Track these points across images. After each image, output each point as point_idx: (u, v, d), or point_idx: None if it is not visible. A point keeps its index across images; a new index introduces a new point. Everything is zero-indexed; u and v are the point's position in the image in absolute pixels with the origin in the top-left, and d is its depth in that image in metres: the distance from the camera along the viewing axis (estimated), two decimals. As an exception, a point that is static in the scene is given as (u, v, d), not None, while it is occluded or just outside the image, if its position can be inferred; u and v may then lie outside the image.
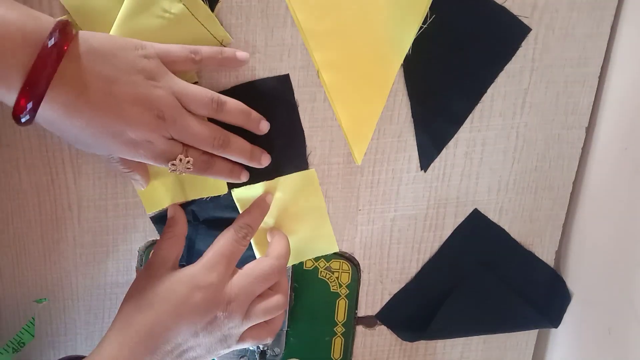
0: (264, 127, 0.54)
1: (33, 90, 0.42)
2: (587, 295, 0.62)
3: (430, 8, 0.54)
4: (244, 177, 0.56)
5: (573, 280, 0.64)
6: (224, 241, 0.54)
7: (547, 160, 0.61)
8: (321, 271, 0.63)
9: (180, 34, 0.53)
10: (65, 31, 0.44)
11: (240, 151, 0.53)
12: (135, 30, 0.51)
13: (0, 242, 0.58)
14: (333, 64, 0.56)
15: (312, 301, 0.64)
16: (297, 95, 0.56)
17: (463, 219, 0.63)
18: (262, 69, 0.55)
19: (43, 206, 0.57)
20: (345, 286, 0.63)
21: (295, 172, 0.58)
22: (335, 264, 0.63)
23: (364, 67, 0.56)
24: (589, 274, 0.62)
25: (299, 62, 0.55)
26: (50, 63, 0.43)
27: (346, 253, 0.63)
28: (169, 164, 0.50)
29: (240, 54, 0.52)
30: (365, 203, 0.61)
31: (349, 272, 0.63)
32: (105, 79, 0.45)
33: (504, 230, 0.64)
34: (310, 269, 0.63)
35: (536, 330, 0.68)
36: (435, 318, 0.64)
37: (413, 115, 0.58)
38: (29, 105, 0.43)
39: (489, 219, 0.63)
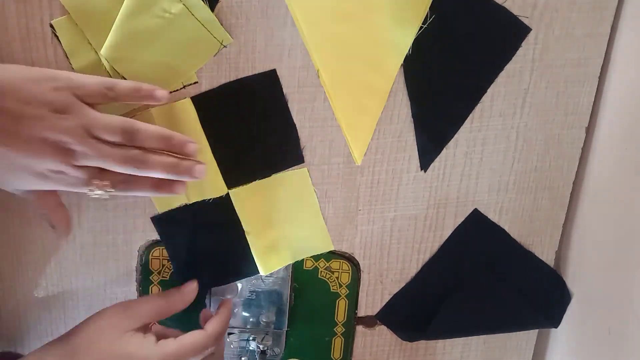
0: (190, 149, 0.50)
1: None
2: (587, 295, 0.62)
3: (430, 8, 0.54)
4: (179, 189, 0.52)
5: (573, 280, 0.64)
6: (192, 343, 0.53)
7: (547, 160, 0.61)
8: (321, 271, 0.63)
9: (180, 34, 0.53)
10: None
11: (163, 166, 0.50)
12: (135, 30, 0.51)
13: (0, 242, 0.58)
14: (333, 64, 0.56)
15: (312, 301, 0.64)
16: (297, 95, 0.56)
17: (463, 219, 0.63)
18: (262, 69, 0.55)
19: (43, 206, 0.57)
20: (345, 286, 0.63)
21: (291, 167, 0.58)
22: (335, 264, 0.63)
23: (364, 67, 0.56)
24: (589, 274, 0.61)
25: (299, 62, 0.55)
26: None
27: (346, 253, 0.63)
28: (87, 190, 0.49)
29: (159, 93, 0.50)
30: (365, 203, 0.61)
31: (349, 272, 0.63)
32: (11, 114, 0.45)
33: (504, 230, 0.63)
34: (310, 269, 0.63)
35: (536, 330, 0.68)
36: (435, 318, 0.64)
37: (413, 115, 0.58)
38: None
39: (489, 219, 0.63)
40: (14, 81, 0.46)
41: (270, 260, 0.60)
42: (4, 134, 0.45)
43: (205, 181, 0.56)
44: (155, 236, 0.60)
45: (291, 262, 0.61)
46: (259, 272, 0.60)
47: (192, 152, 0.50)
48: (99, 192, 0.49)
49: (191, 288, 0.58)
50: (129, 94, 0.49)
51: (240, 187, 0.58)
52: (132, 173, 0.50)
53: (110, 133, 0.48)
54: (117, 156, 0.48)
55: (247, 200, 0.58)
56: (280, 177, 0.58)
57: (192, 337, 0.54)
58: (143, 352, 0.51)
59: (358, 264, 0.63)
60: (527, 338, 0.68)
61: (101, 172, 0.49)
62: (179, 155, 0.51)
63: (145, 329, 0.53)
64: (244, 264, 0.60)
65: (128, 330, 0.52)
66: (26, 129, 0.45)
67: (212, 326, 0.56)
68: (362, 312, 0.65)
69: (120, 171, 0.49)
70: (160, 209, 0.58)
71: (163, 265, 0.61)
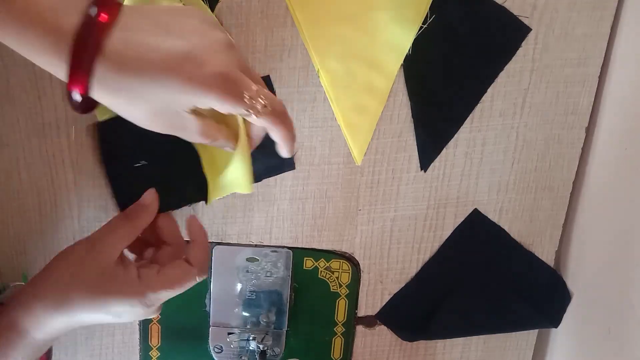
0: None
1: (81, 61, 0.39)
2: (587, 295, 0.62)
3: (430, 8, 0.54)
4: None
5: (573, 280, 0.64)
6: (174, 274, 0.51)
7: (547, 160, 0.61)
8: (321, 271, 0.63)
9: (181, 34, 0.52)
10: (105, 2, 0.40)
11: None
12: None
13: (0, 242, 0.58)
14: (333, 65, 0.56)
15: (312, 301, 0.64)
16: (297, 95, 0.57)
17: (463, 219, 0.63)
18: (262, 69, 0.55)
19: (43, 206, 0.57)
20: (345, 286, 0.63)
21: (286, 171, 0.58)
22: (335, 264, 0.63)
23: (364, 67, 0.56)
24: (589, 274, 0.61)
25: (299, 62, 0.55)
26: (95, 31, 0.39)
27: (346, 253, 0.63)
28: (246, 98, 0.43)
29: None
30: (365, 203, 0.61)
31: (349, 272, 0.63)
32: (162, 25, 0.41)
33: (504, 230, 0.63)
34: (310, 269, 0.63)
35: (536, 330, 0.68)
36: (435, 318, 0.64)
37: (413, 115, 0.58)
38: (85, 65, 0.39)
39: (489, 219, 0.63)
40: (149, 8, 0.43)
41: (217, 187, 0.56)
42: (159, 40, 0.41)
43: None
44: (155, 236, 0.60)
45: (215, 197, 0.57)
46: (205, 199, 0.57)
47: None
48: (258, 106, 0.44)
49: (151, 197, 0.53)
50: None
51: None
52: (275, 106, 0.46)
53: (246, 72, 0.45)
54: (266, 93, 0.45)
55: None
56: None
57: (175, 269, 0.51)
58: (125, 285, 0.49)
59: (358, 264, 0.63)
60: (527, 338, 0.68)
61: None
62: None
63: (123, 260, 0.50)
64: (193, 188, 0.57)
65: (105, 269, 0.49)
66: (183, 31, 0.42)
67: (192, 254, 0.52)
68: (362, 312, 0.65)
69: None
70: (101, 116, 0.53)
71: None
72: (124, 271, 0.49)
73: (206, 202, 0.58)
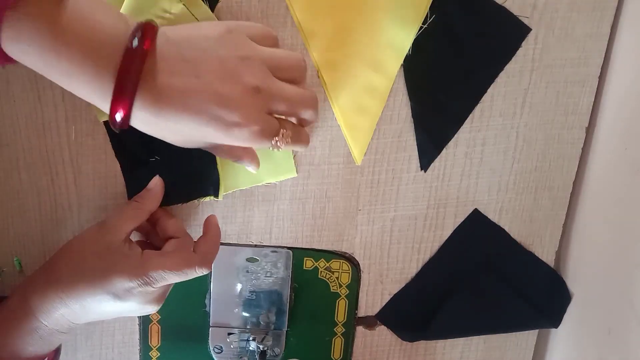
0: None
1: (124, 89, 0.42)
2: (587, 296, 0.62)
3: (430, 8, 0.54)
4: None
5: (573, 280, 0.64)
6: (177, 258, 0.52)
7: (547, 160, 0.61)
8: (321, 271, 0.63)
9: (181, 34, 0.53)
10: (145, 30, 0.43)
11: (315, 102, 0.51)
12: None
13: (0, 242, 0.58)
14: (333, 64, 0.56)
15: (312, 301, 0.64)
16: (297, 95, 0.56)
17: (463, 219, 0.63)
18: (262, 69, 0.55)
19: (43, 206, 0.57)
20: (345, 286, 0.63)
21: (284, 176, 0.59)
22: (335, 264, 0.63)
23: (364, 67, 0.56)
24: (589, 274, 0.61)
25: (299, 62, 0.55)
26: (135, 62, 0.42)
27: (346, 253, 0.63)
28: (272, 141, 0.47)
29: None
30: (365, 203, 0.61)
31: (349, 272, 0.63)
32: (190, 62, 0.44)
33: (504, 230, 0.63)
34: (310, 269, 0.63)
35: (536, 331, 0.68)
36: (435, 318, 0.64)
37: (413, 115, 0.58)
38: (122, 110, 0.43)
39: (488, 219, 0.63)
40: (183, 34, 0.45)
41: (230, 180, 0.57)
42: (190, 82, 0.44)
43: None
44: (155, 236, 0.60)
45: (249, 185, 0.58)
46: (217, 194, 0.58)
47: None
48: (281, 143, 0.48)
49: (156, 183, 0.55)
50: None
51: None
52: (304, 116, 0.50)
53: (290, 65, 0.48)
54: (300, 94, 0.48)
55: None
56: None
57: (177, 253, 0.52)
58: (128, 262, 0.50)
59: (358, 264, 0.63)
60: (527, 338, 0.68)
61: (281, 122, 0.48)
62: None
63: (129, 241, 0.52)
64: (207, 182, 0.58)
65: (111, 245, 0.51)
66: (211, 73, 0.44)
67: (199, 245, 0.54)
68: (362, 312, 0.65)
69: (300, 112, 0.49)
70: (101, 117, 0.55)
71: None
72: (129, 248, 0.51)
73: (217, 195, 0.58)
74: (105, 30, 0.42)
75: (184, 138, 0.46)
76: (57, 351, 0.55)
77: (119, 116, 0.43)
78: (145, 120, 0.44)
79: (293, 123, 0.51)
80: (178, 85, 0.43)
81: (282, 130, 0.48)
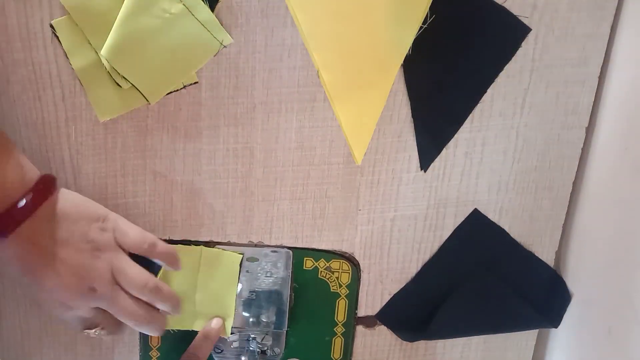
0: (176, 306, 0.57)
1: None
2: (587, 295, 0.62)
3: (430, 8, 0.54)
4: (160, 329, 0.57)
5: (573, 280, 0.64)
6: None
7: (547, 160, 0.61)
8: (321, 271, 0.63)
9: (180, 35, 0.53)
10: (39, 194, 0.49)
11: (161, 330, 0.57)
12: (136, 31, 0.51)
13: (0, 242, 0.58)
14: (333, 64, 0.56)
15: (312, 301, 0.64)
16: (297, 95, 0.57)
17: (463, 219, 0.63)
18: (262, 69, 0.55)
19: (43, 206, 0.57)
20: (345, 286, 0.63)
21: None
22: (335, 264, 0.63)
23: (364, 67, 0.56)
24: (589, 274, 0.61)
25: (299, 62, 0.55)
26: (15, 219, 0.47)
27: (346, 253, 0.63)
28: (84, 331, 0.54)
29: (180, 265, 0.57)
30: (365, 203, 0.61)
31: (349, 272, 0.63)
32: (57, 242, 0.50)
33: (504, 230, 0.63)
34: (311, 269, 0.63)
35: (536, 331, 0.68)
36: (435, 318, 0.64)
37: (413, 115, 0.58)
38: None
39: (488, 219, 0.63)
40: (71, 213, 0.51)
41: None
42: (47, 258, 0.50)
43: None
44: (157, 236, 0.60)
45: (181, 328, 0.61)
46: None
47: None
48: (93, 335, 0.54)
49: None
50: (163, 257, 0.56)
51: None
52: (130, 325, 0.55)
53: (134, 285, 0.53)
54: (128, 312, 0.53)
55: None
56: (211, 251, 0.60)
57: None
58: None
59: (358, 264, 0.63)
60: (527, 338, 0.68)
61: (101, 314, 0.53)
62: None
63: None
64: None
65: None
66: (66, 260, 0.50)
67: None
68: (362, 312, 0.65)
69: (130, 323, 0.54)
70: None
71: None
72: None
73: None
74: None
75: (34, 296, 0.53)
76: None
77: None
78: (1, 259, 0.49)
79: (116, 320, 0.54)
80: (35, 254, 0.49)
81: (97, 329, 0.54)
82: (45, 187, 0.49)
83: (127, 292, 0.53)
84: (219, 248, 0.61)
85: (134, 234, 0.54)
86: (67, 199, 0.51)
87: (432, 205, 0.62)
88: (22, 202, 0.48)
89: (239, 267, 0.60)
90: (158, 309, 0.56)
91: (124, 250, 0.54)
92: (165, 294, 0.55)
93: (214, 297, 0.61)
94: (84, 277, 0.51)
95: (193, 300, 0.60)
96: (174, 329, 0.60)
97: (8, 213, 0.47)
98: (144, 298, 0.54)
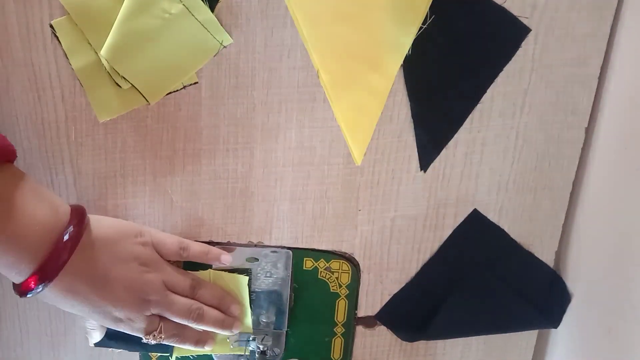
0: (234, 310, 0.60)
1: (44, 276, 0.47)
2: (587, 296, 0.62)
3: (430, 8, 0.54)
4: (209, 346, 0.59)
5: (573, 280, 0.64)
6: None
7: (547, 160, 0.61)
8: (321, 271, 0.63)
9: (180, 35, 0.53)
10: (79, 225, 0.49)
11: (213, 322, 0.58)
12: (136, 31, 0.51)
13: None
14: (333, 64, 0.56)
15: (312, 301, 0.64)
16: (297, 95, 0.57)
17: (463, 219, 0.63)
18: (262, 69, 0.55)
19: (43, 206, 0.57)
20: (345, 286, 0.63)
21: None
22: (335, 264, 0.63)
23: (364, 67, 0.56)
24: (589, 274, 0.61)
25: (299, 62, 0.55)
26: (64, 255, 0.48)
27: (346, 253, 0.63)
28: (144, 337, 0.55)
29: (224, 257, 0.59)
30: (365, 203, 0.61)
31: (349, 273, 0.63)
32: (105, 265, 0.51)
33: (503, 230, 0.63)
34: (310, 269, 0.63)
35: (536, 331, 0.68)
36: (435, 318, 0.64)
37: (413, 116, 0.58)
38: (38, 289, 0.48)
39: (488, 219, 0.63)
40: (110, 235, 0.52)
41: None
42: (99, 283, 0.51)
43: None
44: (155, 236, 0.60)
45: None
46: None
47: (235, 312, 0.60)
48: (153, 340, 0.55)
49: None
50: (199, 256, 0.58)
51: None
52: (192, 325, 0.57)
53: (182, 287, 0.56)
54: (183, 310, 0.56)
55: None
56: (219, 273, 0.61)
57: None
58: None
59: (358, 264, 0.63)
60: (527, 338, 0.68)
61: (160, 321, 0.55)
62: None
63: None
64: None
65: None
66: (118, 280, 0.52)
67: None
68: (362, 312, 0.65)
69: (179, 322, 0.56)
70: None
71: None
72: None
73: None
74: (33, 222, 0.47)
75: (79, 312, 0.52)
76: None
77: (31, 293, 0.48)
78: (51, 298, 0.50)
79: (176, 324, 0.57)
80: (87, 282, 0.50)
81: (154, 333, 0.55)
82: (80, 217, 0.50)
83: (179, 295, 0.56)
84: (221, 243, 0.61)
85: (170, 243, 0.57)
86: (100, 223, 0.52)
87: (432, 206, 0.62)
88: (66, 237, 0.48)
89: (247, 288, 0.61)
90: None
91: (165, 259, 0.56)
92: (211, 292, 0.59)
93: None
94: (138, 291, 0.53)
95: None
96: (191, 355, 0.61)
97: (55, 250, 0.48)
98: (192, 295, 0.57)
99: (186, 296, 0.57)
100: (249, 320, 0.61)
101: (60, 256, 0.48)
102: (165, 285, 0.55)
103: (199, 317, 0.57)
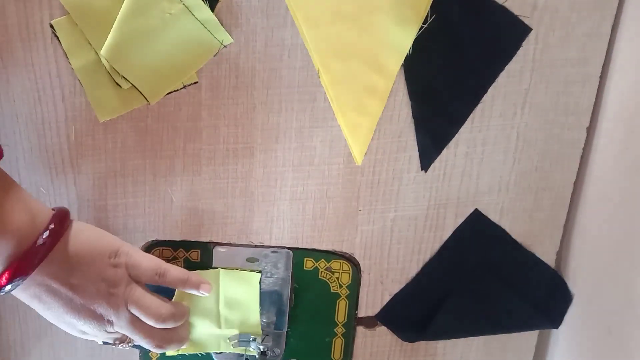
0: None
1: (12, 277, 0.48)
2: (588, 296, 0.62)
3: (430, 8, 0.54)
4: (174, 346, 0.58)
5: (574, 280, 0.64)
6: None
7: (548, 160, 0.61)
8: (321, 272, 0.63)
9: (180, 35, 0.53)
10: (54, 232, 0.49)
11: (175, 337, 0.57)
12: (136, 31, 0.51)
13: (0, 242, 0.58)
14: (333, 64, 0.56)
15: (313, 302, 0.63)
16: (297, 95, 0.57)
17: (463, 219, 0.63)
18: (262, 69, 0.55)
19: (43, 206, 0.57)
20: (346, 287, 0.63)
21: None
22: (335, 265, 0.63)
23: (364, 67, 0.56)
24: (590, 275, 0.61)
25: (299, 62, 0.55)
26: (34, 260, 0.48)
27: (346, 253, 0.63)
28: (112, 344, 0.56)
29: (204, 287, 0.57)
30: (365, 203, 0.61)
31: (349, 273, 0.63)
32: (71, 286, 0.50)
33: (504, 230, 0.63)
34: (311, 269, 0.63)
35: (536, 331, 0.68)
36: (436, 318, 0.64)
37: (413, 115, 0.58)
38: (6, 288, 0.48)
39: (489, 220, 0.63)
40: (83, 253, 0.51)
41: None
42: (63, 300, 0.51)
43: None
44: (155, 236, 0.60)
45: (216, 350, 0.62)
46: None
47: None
48: (121, 346, 0.56)
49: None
50: (176, 283, 0.56)
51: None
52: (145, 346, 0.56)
53: (151, 316, 0.54)
54: (146, 339, 0.55)
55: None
56: (229, 273, 0.61)
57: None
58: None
59: (358, 264, 0.63)
60: (527, 339, 0.68)
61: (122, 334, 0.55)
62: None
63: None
64: None
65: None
66: (81, 299, 0.51)
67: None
68: (362, 312, 0.65)
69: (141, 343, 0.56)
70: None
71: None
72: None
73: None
74: (9, 227, 0.47)
75: (55, 323, 0.53)
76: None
77: (6, 288, 0.48)
78: (24, 298, 0.50)
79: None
80: (51, 295, 0.50)
81: (121, 344, 0.56)
82: (59, 224, 0.50)
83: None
84: (221, 244, 0.61)
85: (146, 266, 0.54)
86: (77, 237, 0.51)
87: (432, 206, 0.62)
88: (40, 241, 0.48)
89: (259, 285, 0.60)
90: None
91: (139, 281, 0.54)
92: (180, 316, 0.57)
93: (239, 317, 0.61)
94: (103, 314, 0.52)
95: (218, 323, 0.61)
96: (201, 352, 0.61)
97: (28, 252, 0.48)
98: (161, 327, 0.55)
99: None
100: (257, 320, 0.61)
101: (32, 260, 0.48)
102: (130, 311, 0.54)
103: (163, 342, 0.56)
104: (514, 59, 0.57)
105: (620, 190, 0.57)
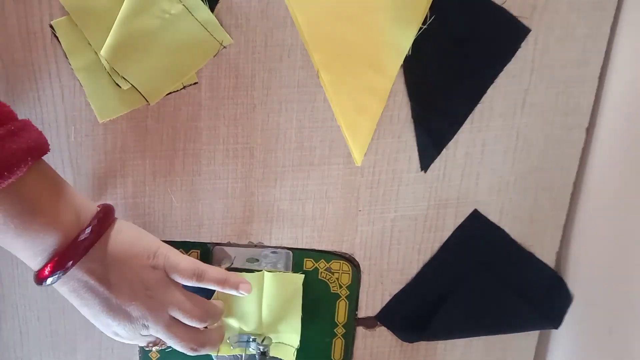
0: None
1: (54, 269, 0.48)
2: (587, 296, 0.62)
3: (430, 8, 0.54)
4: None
5: (574, 281, 0.64)
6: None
7: (547, 160, 0.61)
8: (321, 272, 0.63)
9: (180, 35, 0.53)
10: (96, 229, 0.49)
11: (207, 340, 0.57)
12: (135, 31, 0.51)
13: None
14: (333, 65, 0.56)
15: (313, 302, 0.63)
16: (297, 95, 0.57)
17: (463, 219, 0.63)
18: (262, 69, 0.55)
19: (43, 206, 0.57)
20: (346, 287, 0.63)
21: None
22: (335, 265, 0.63)
23: (364, 67, 0.56)
24: (590, 275, 0.61)
25: (299, 62, 0.55)
26: (72, 258, 0.48)
27: (346, 254, 0.63)
28: (147, 346, 0.55)
29: (244, 287, 0.56)
30: (365, 204, 0.61)
31: (349, 273, 0.63)
32: (109, 285, 0.50)
33: (504, 231, 0.63)
34: (311, 269, 0.63)
35: (537, 332, 0.68)
36: (436, 319, 0.64)
37: (413, 116, 0.58)
38: (48, 281, 0.48)
39: (489, 220, 0.63)
40: (122, 252, 0.51)
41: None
42: (100, 298, 0.50)
43: None
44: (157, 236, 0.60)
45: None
46: None
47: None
48: (154, 348, 0.56)
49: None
50: (215, 284, 0.55)
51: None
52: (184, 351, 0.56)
53: (189, 318, 0.54)
54: (182, 344, 0.54)
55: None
56: (273, 275, 0.61)
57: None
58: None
59: (358, 264, 0.63)
60: (528, 339, 0.68)
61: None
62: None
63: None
64: None
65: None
66: (118, 299, 0.51)
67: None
68: (362, 313, 0.65)
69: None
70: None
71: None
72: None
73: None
74: (55, 224, 0.47)
75: (91, 320, 0.53)
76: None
77: (48, 280, 0.48)
78: (64, 292, 0.50)
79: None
80: (90, 292, 0.50)
81: (156, 347, 0.56)
82: (102, 221, 0.50)
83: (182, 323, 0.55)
84: (221, 244, 0.61)
85: (184, 267, 0.54)
86: (118, 236, 0.51)
87: (432, 206, 0.62)
88: (82, 237, 0.48)
89: (301, 287, 0.61)
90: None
91: (176, 283, 0.54)
92: (219, 315, 0.57)
93: (281, 319, 0.61)
94: (139, 317, 0.52)
95: (260, 324, 0.61)
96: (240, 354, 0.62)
97: (70, 247, 0.48)
98: (202, 327, 0.55)
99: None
100: (298, 322, 0.61)
101: (73, 255, 0.48)
102: (170, 314, 0.54)
103: (199, 345, 0.56)
104: (514, 59, 0.57)
105: (620, 190, 0.57)
